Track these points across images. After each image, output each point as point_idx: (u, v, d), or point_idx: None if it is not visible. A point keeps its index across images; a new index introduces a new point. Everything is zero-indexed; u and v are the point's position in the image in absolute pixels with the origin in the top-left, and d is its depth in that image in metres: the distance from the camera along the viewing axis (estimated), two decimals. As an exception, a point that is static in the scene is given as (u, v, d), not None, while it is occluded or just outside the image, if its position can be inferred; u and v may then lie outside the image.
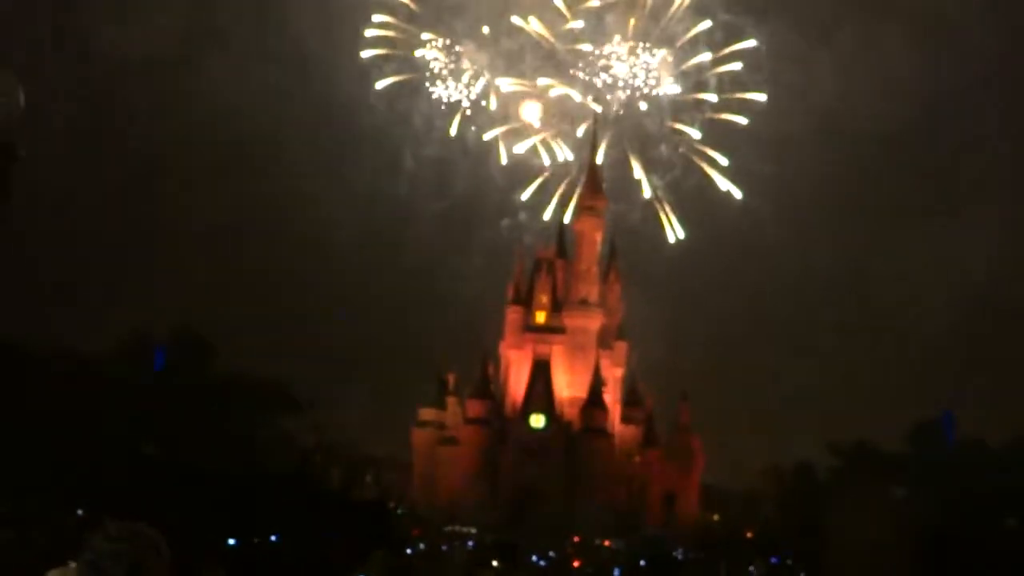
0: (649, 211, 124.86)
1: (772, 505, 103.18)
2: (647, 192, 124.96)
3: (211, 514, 55.72)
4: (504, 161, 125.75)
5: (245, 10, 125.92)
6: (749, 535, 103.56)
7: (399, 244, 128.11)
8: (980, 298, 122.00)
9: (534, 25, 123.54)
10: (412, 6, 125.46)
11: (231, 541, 56.30)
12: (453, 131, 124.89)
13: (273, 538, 59.28)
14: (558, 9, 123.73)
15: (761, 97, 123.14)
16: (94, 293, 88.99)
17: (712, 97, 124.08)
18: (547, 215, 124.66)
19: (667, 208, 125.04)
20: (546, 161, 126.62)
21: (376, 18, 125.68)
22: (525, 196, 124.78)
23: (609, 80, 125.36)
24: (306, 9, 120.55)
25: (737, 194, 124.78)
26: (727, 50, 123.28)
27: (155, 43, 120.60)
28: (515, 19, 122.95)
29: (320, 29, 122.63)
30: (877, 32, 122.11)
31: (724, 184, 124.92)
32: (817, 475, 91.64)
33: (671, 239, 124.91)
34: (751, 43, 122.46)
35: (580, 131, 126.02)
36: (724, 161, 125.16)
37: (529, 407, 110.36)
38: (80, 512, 59.12)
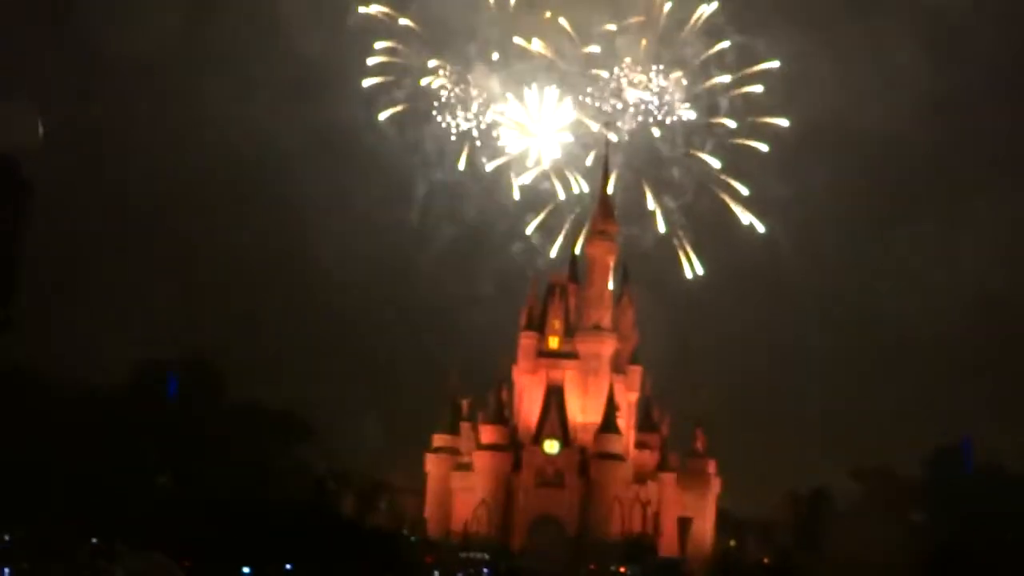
0: (664, 242, 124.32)
1: (789, 531, 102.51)
2: (661, 226, 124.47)
3: (225, 542, 55.63)
4: (515, 191, 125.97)
5: (253, 37, 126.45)
6: (766, 561, 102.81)
7: (411, 271, 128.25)
8: (1001, 324, 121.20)
9: (539, 47, 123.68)
10: (416, 29, 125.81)
11: (245, 570, 56.08)
12: (462, 165, 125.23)
13: (288, 566, 59.03)
14: (567, 32, 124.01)
15: (783, 122, 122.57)
16: (105, 323, 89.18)
17: (731, 123, 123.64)
18: (559, 241, 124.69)
19: (684, 242, 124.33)
20: (557, 188, 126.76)
21: (379, 44, 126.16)
22: (530, 230, 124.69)
23: (620, 106, 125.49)
24: (314, 36, 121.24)
25: (760, 228, 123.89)
26: (749, 70, 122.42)
27: (163, 72, 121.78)
28: (518, 40, 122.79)
29: (329, 56, 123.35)
30: (896, 46, 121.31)
31: (746, 218, 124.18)
32: (834, 501, 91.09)
33: (688, 275, 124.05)
34: (773, 64, 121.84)
35: (590, 158, 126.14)
36: (744, 191, 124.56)
37: (543, 432, 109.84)
38: (94, 541, 59.07)
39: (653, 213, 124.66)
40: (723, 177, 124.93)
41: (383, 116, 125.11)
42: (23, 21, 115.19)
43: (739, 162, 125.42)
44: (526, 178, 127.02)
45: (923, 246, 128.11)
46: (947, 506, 70.94)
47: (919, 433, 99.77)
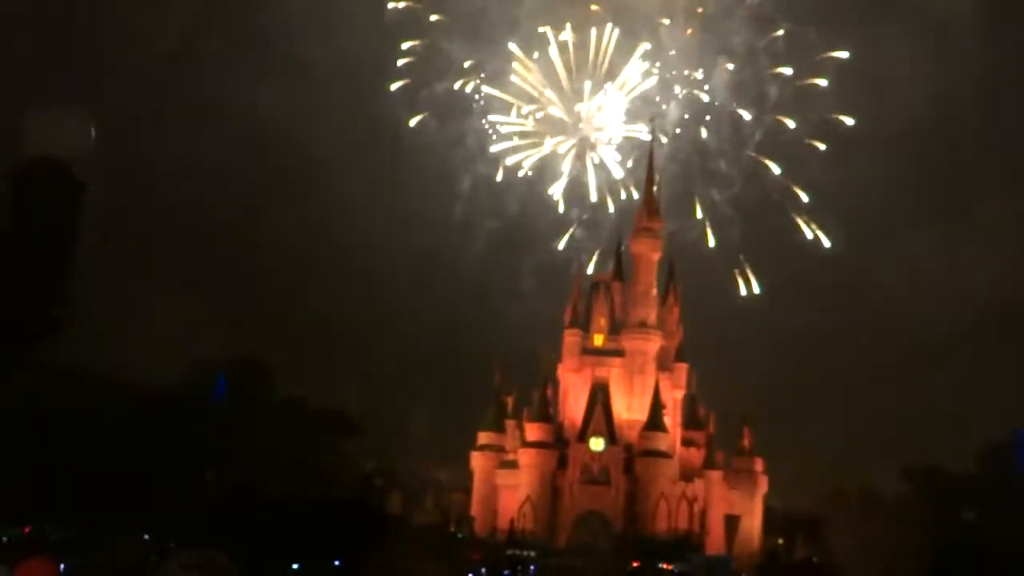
0: (711, 242, 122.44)
1: (838, 529, 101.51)
2: (712, 242, 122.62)
3: (274, 539, 56.23)
4: (559, 187, 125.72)
5: (293, 33, 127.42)
6: (814, 559, 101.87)
7: (456, 268, 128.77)
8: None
9: (583, 41, 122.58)
10: (449, 23, 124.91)
11: (295, 566, 56.72)
12: (499, 175, 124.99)
13: (336, 563, 59.60)
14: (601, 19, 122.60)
15: (849, 120, 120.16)
16: (156, 323, 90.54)
17: (790, 121, 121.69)
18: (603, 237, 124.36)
19: (742, 261, 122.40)
20: (601, 185, 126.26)
21: (407, 44, 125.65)
22: (561, 246, 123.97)
23: (666, 102, 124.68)
24: (357, 31, 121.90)
25: (826, 242, 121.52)
26: (819, 56, 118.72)
27: (209, 69, 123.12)
28: (554, 32, 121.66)
29: (370, 52, 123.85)
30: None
31: (809, 232, 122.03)
32: (884, 498, 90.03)
33: (744, 293, 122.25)
34: (843, 54, 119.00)
35: (635, 155, 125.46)
36: (805, 197, 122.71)
37: (588, 430, 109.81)
38: (146, 537, 60.05)
39: (696, 210, 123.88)
40: (782, 180, 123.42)
41: (414, 121, 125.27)
42: (72, 26, 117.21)
43: (796, 163, 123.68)
44: (568, 174, 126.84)
45: (973, 243, 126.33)
46: (998, 504, 69.90)
47: (970, 430, 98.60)
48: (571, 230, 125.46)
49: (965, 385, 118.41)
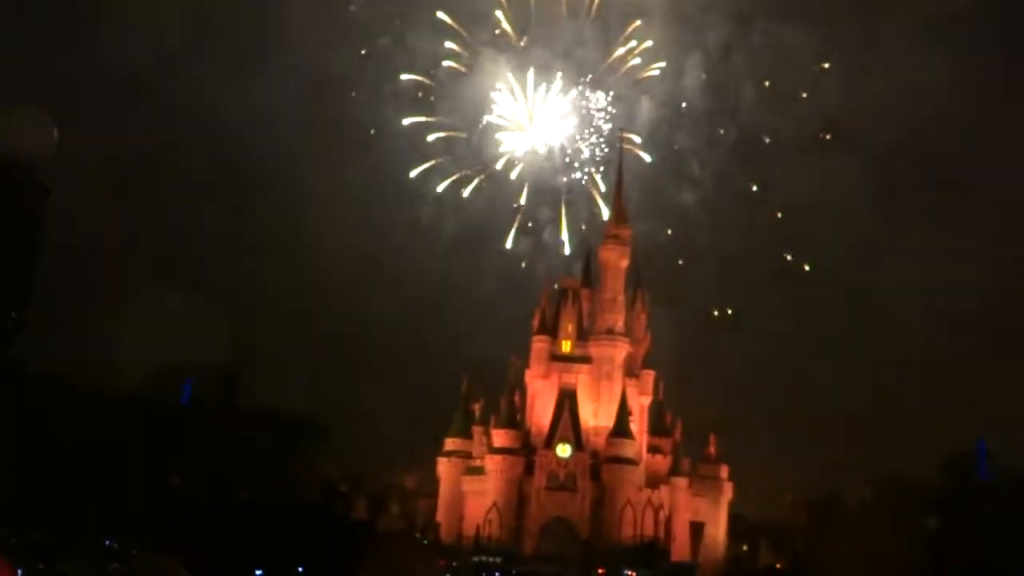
0: (678, 244, 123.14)
1: (801, 537, 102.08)
2: (675, 228, 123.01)
3: (237, 545, 55.69)
4: (524, 190, 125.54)
5: (263, 48, 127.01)
6: (778, 566, 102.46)
7: (425, 274, 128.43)
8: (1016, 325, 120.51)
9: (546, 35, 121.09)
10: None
11: (258, 572, 56.17)
12: (467, 192, 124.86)
13: (300, 569, 59.12)
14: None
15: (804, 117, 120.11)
16: (120, 327, 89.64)
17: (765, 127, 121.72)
18: (564, 238, 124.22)
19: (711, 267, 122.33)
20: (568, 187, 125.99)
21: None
22: (509, 243, 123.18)
23: (636, 103, 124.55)
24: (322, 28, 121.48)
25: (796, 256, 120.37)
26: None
27: (172, 79, 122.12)
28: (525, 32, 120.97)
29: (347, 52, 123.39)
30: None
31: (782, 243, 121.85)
32: (848, 506, 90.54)
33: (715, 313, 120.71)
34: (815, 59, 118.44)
35: (603, 156, 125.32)
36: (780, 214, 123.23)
37: (555, 436, 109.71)
38: (108, 542, 59.25)
39: (667, 213, 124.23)
40: (753, 184, 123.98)
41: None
42: (38, 28, 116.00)
43: (757, 160, 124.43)
44: (535, 176, 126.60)
45: (942, 257, 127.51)
46: (961, 513, 70.54)
47: (935, 439, 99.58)
48: (513, 227, 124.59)
49: (931, 394, 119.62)
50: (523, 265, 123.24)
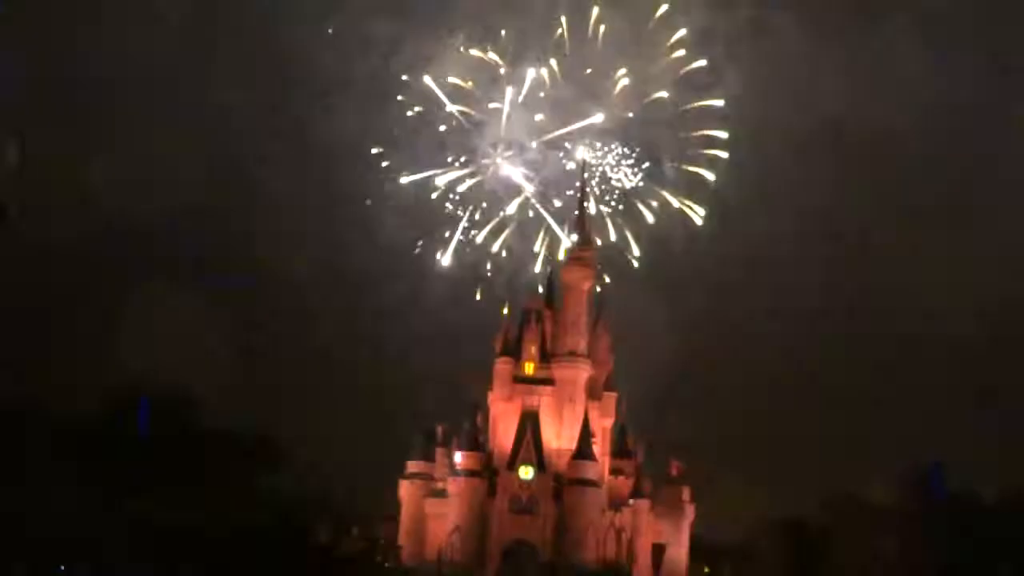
0: (638, 267, 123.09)
1: (764, 558, 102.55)
2: (635, 251, 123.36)
3: (195, 570, 55.15)
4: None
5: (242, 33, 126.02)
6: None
7: (389, 295, 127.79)
8: (986, 347, 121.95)
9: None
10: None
11: (213, 598, 55.61)
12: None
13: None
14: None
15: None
16: (74, 351, 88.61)
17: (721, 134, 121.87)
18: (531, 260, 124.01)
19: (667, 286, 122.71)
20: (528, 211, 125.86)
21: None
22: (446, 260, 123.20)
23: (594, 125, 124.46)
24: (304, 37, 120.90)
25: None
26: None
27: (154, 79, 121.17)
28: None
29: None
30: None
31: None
32: (809, 528, 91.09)
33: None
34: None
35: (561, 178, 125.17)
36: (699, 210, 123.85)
37: (518, 458, 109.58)
38: (61, 568, 58.43)
39: (625, 238, 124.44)
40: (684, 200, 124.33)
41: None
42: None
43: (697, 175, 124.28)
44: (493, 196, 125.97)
45: (900, 270, 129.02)
46: (918, 531, 71.23)
47: (893, 460, 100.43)
48: (454, 239, 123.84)
49: (889, 415, 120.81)
50: (479, 288, 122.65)
